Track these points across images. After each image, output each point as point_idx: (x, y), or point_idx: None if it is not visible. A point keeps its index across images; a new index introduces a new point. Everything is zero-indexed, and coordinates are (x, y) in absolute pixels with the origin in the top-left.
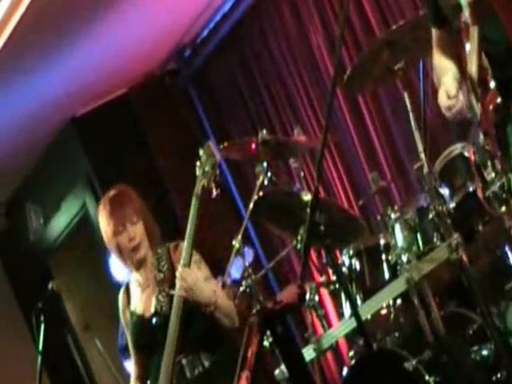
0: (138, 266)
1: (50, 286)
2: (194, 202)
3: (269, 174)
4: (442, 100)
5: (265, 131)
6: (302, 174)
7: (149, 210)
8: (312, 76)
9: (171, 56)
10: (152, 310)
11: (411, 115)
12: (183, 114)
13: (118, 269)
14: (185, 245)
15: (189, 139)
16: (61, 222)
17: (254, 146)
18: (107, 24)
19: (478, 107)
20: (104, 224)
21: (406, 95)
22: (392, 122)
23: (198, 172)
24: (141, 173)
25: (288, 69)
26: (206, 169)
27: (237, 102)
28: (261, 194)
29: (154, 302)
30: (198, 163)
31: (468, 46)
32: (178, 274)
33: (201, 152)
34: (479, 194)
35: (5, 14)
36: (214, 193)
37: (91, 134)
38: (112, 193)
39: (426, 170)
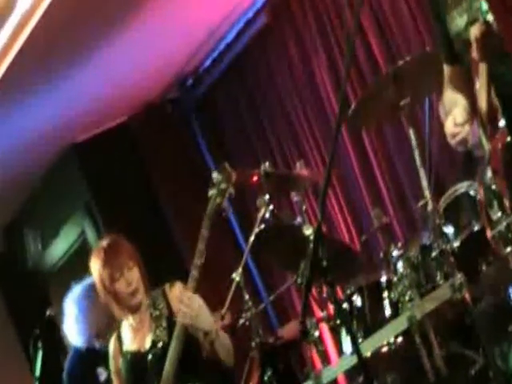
0: (135, 310)
1: (47, 313)
2: (206, 221)
3: (270, 207)
4: (448, 127)
5: (267, 163)
6: (303, 207)
7: (143, 249)
8: (315, 108)
9: (173, 84)
10: (148, 345)
11: (416, 152)
12: (184, 142)
13: (74, 335)
14: (194, 264)
15: (189, 168)
16: (59, 248)
17: (256, 178)
18: (109, 51)
19: (487, 144)
20: (100, 272)
21: (411, 131)
22: (396, 158)
23: (212, 192)
24: (140, 201)
25: (291, 100)
26: (222, 186)
27: (239, 133)
28: (262, 226)
29: (150, 337)
30: (212, 183)
31: (478, 83)
32: (182, 299)
33: (215, 174)
34: (487, 232)
35: (7, 41)
36: (227, 212)
37: (91, 160)
38: (105, 242)
39: (430, 207)
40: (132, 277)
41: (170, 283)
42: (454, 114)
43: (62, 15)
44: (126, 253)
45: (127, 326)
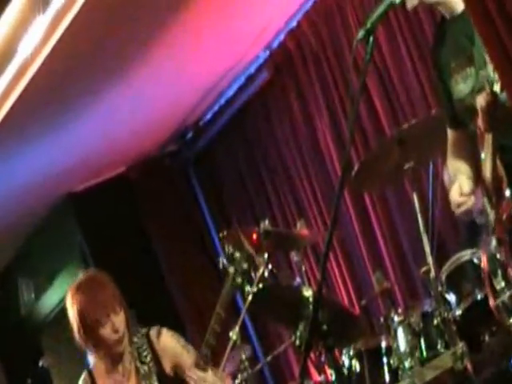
0: (118, 359)
1: (40, 363)
2: (223, 301)
3: (269, 266)
4: (454, 196)
5: (267, 221)
6: (303, 268)
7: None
8: (317, 167)
9: (173, 137)
10: None
11: (419, 217)
12: (182, 195)
13: None
14: (205, 342)
15: (186, 221)
16: (53, 298)
17: (255, 236)
18: (109, 102)
19: (491, 214)
20: (82, 313)
21: (414, 196)
22: (398, 222)
23: (231, 269)
24: (136, 252)
25: (292, 158)
26: (243, 267)
27: (238, 188)
28: (260, 286)
29: None
30: (230, 259)
31: (483, 153)
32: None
33: (233, 250)
34: (491, 301)
35: (6, 88)
36: (255, 289)
37: (87, 210)
38: (87, 278)
39: (432, 274)
40: (120, 322)
41: (157, 330)
42: (460, 183)
43: (62, 65)
44: (110, 293)
45: (102, 369)
